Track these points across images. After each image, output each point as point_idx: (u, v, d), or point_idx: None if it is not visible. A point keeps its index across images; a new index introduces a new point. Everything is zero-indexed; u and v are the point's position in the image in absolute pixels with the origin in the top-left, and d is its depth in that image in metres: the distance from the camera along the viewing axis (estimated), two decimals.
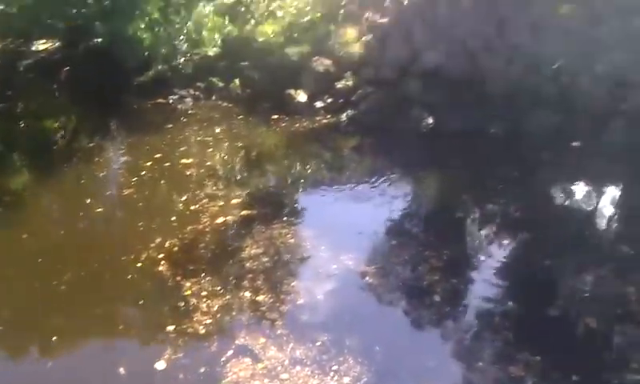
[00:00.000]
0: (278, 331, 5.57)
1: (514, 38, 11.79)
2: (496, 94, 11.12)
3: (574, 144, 9.83)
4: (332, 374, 5.03)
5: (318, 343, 5.36)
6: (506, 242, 7.52)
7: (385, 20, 13.36)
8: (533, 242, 7.36)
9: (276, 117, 11.59)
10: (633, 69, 10.38)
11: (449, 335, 5.66)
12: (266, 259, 6.87)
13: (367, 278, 6.52)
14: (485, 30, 12.10)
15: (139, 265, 6.69)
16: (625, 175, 9.15)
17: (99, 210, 8.11)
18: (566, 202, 8.66)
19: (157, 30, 12.14)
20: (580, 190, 8.95)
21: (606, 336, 5.50)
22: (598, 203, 8.56)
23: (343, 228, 7.73)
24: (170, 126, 11.33)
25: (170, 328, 5.69)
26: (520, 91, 11.01)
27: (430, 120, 10.90)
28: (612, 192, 8.96)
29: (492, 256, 7.11)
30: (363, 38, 13.17)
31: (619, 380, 4.87)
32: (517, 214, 8.17)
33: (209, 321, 5.76)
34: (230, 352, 5.33)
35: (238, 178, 9.27)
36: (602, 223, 8.06)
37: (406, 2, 13.51)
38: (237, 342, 5.46)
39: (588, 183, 8.99)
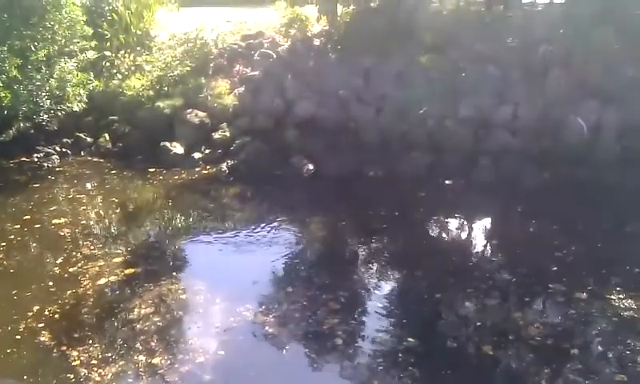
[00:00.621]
0: None
1: (380, 87, 12.44)
2: (370, 140, 11.64)
3: (447, 182, 10.46)
4: None
5: None
6: (395, 277, 7.69)
7: (255, 72, 13.55)
8: (420, 276, 7.60)
9: (152, 170, 11.20)
10: (492, 111, 11.32)
11: (358, 377, 5.58)
12: (158, 318, 6.45)
13: (267, 328, 6.33)
14: (353, 81, 12.68)
15: (18, 337, 5.98)
16: (494, 207, 9.86)
17: None
18: (445, 236, 9.10)
19: (16, 87, 11.36)
20: (456, 223, 9.48)
21: (505, 360, 5.73)
22: (473, 234, 9.12)
23: (235, 278, 7.54)
24: (37, 184, 10.53)
25: None
26: (392, 136, 11.61)
27: (310, 166, 11.10)
28: (485, 223, 9.58)
29: (385, 293, 7.23)
30: (236, 90, 13.24)
31: None
32: (402, 250, 8.43)
33: None
34: None
35: (118, 235, 8.73)
36: (479, 252, 8.53)
37: (275, 56, 13.81)
38: None
39: (462, 216, 9.56)
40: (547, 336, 6.08)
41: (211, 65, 14.05)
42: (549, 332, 6.16)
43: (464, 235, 9.12)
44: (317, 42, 14.17)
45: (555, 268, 7.54)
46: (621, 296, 6.74)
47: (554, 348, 5.91)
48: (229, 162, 11.57)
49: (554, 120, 11.05)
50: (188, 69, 13.57)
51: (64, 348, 5.85)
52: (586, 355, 5.85)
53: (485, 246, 8.75)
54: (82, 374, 5.45)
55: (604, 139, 10.74)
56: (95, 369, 5.53)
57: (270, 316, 6.53)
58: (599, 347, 5.99)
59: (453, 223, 9.44)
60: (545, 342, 5.96)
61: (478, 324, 6.44)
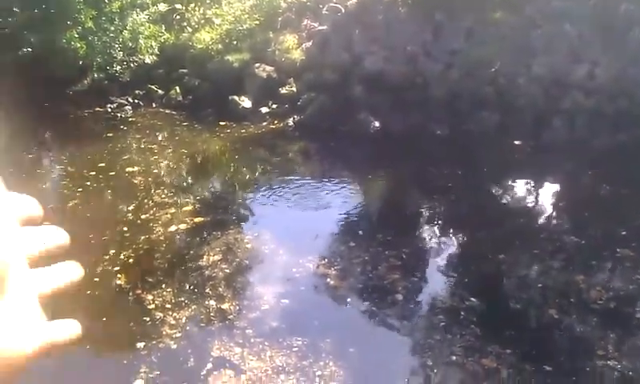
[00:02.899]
0: (252, 339, 5.36)
1: (450, 43, 12.14)
2: (438, 97, 11.42)
3: (516, 142, 10.19)
4: (317, 380, 4.90)
5: (295, 349, 5.20)
6: (458, 238, 7.64)
7: (323, 27, 13.45)
8: (484, 236, 7.53)
9: (221, 123, 11.41)
10: (566, 70, 10.88)
11: (419, 332, 5.64)
12: (225, 266, 6.67)
13: (329, 280, 6.44)
14: (422, 36, 12.40)
15: (96, 279, 6.33)
16: (565, 169, 9.57)
17: (44, 223, 7.64)
18: (511, 197, 8.93)
19: (91, 38, 11.77)
20: (524, 184, 9.28)
21: (567, 324, 5.65)
22: (541, 196, 8.91)
23: (299, 231, 7.67)
24: (111, 134, 10.94)
25: (141, 344, 5.31)
26: (460, 94, 11.34)
27: (376, 123, 11.04)
28: (554, 185, 9.32)
29: (447, 252, 7.21)
30: (303, 45, 13.22)
31: (588, 366, 5.00)
32: (466, 210, 8.35)
33: (179, 334, 5.46)
34: (209, 365, 5.07)
35: (187, 185, 9.03)
36: (546, 215, 8.35)
37: (343, 10, 13.66)
38: (213, 354, 5.18)
39: (530, 178, 9.34)
40: (611, 300, 5.96)
41: (279, 19, 14.05)
42: (613, 296, 6.03)
43: (531, 197, 8.92)
44: None
45: (624, 233, 7.31)
46: None
47: (618, 313, 5.80)
48: (295, 116, 11.65)
49: (632, 81, 10.52)
50: (257, 23, 13.65)
51: (139, 291, 6.14)
52: None
53: (552, 208, 8.54)
54: (158, 317, 5.71)
55: None
56: (170, 312, 5.79)
57: (332, 269, 6.63)
58: None
59: (520, 184, 9.25)
60: (609, 307, 5.86)
61: (543, 286, 6.34)
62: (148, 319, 5.68)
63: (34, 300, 0.51)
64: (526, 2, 12.18)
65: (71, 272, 0.58)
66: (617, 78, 10.70)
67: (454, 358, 5.16)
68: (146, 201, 8.30)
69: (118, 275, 6.44)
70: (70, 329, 0.56)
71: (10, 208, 0.51)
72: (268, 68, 12.62)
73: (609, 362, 5.01)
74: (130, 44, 12.59)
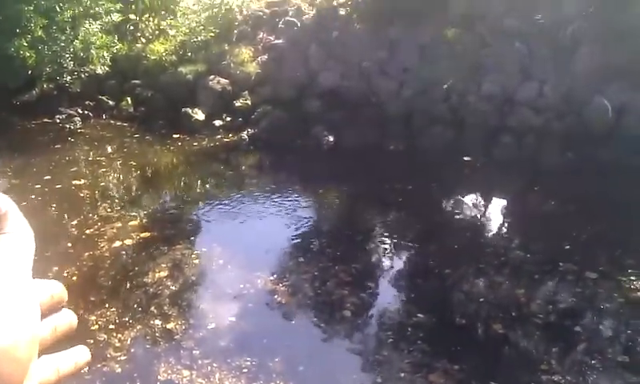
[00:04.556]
0: (199, 361, 5.23)
1: (404, 60, 12.29)
2: (392, 113, 11.55)
3: (466, 158, 10.34)
4: None
5: (245, 370, 5.08)
6: (408, 253, 7.67)
7: (279, 41, 13.46)
8: (432, 251, 7.60)
9: (173, 135, 11.26)
10: (516, 88, 11.13)
11: (368, 348, 5.61)
12: (172, 283, 6.53)
13: (277, 296, 6.37)
14: (378, 53, 12.53)
15: None
16: (513, 185, 9.77)
17: None
18: (461, 212, 9.03)
19: (41, 48, 11.47)
20: (473, 200, 9.42)
21: (512, 339, 5.71)
22: (489, 212, 9.04)
23: (249, 246, 7.59)
24: (59, 146, 10.68)
25: (84, 370, 5.10)
26: (414, 110, 11.47)
27: (331, 138, 11.06)
28: (502, 201, 9.49)
29: (396, 267, 7.23)
30: (259, 58, 13.19)
31: (532, 381, 5.05)
32: (416, 225, 8.39)
33: (124, 357, 5.27)
34: None
35: (135, 198, 8.85)
36: (493, 230, 8.47)
37: (299, 24, 13.69)
38: (160, 377, 4.99)
39: (479, 193, 9.50)
40: (554, 315, 6.07)
41: (235, 31, 14.01)
42: (556, 311, 6.15)
43: (479, 212, 9.05)
44: (342, 12, 14.00)
45: (568, 247, 7.47)
46: (632, 277, 6.65)
47: (561, 327, 5.90)
48: (249, 130, 11.58)
49: (579, 100, 10.81)
50: (212, 35, 13.56)
51: (82, 311, 5.92)
52: (591, 335, 5.80)
53: (500, 223, 8.68)
54: (102, 338, 5.51)
55: (629, 122, 10.50)
56: (114, 333, 5.60)
57: (281, 285, 6.56)
58: (605, 328, 5.95)
59: (469, 200, 9.37)
60: (552, 321, 5.96)
61: (488, 301, 6.39)
62: (91, 341, 5.48)
63: None
64: (478, 19, 12.40)
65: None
66: (565, 96, 10.98)
67: (403, 374, 5.15)
68: (91, 215, 8.11)
69: None
70: (79, 356, 0.58)
71: (35, 293, 0.52)
72: (223, 80, 12.53)
73: (553, 377, 5.06)
74: (82, 54, 12.32)
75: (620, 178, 9.54)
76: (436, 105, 11.46)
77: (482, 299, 6.43)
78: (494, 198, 9.47)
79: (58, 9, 11.65)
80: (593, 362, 5.32)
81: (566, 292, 6.58)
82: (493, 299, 6.42)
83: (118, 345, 5.44)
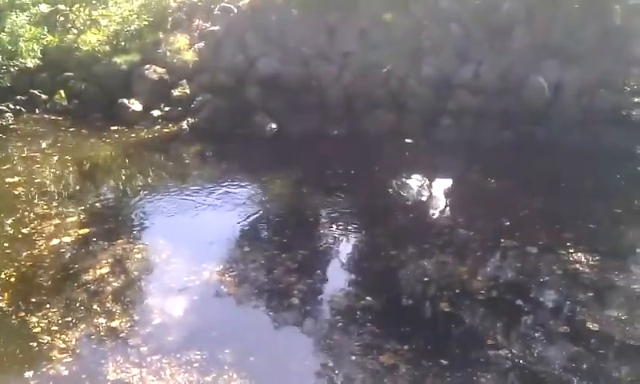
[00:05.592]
0: (148, 358, 5.07)
1: (344, 45, 12.27)
2: (333, 98, 11.55)
3: (408, 141, 10.46)
4: None
5: (196, 364, 4.98)
6: (353, 236, 7.69)
7: (216, 27, 13.22)
8: (378, 234, 7.66)
9: (110, 128, 10.94)
10: (453, 70, 11.29)
11: (318, 334, 5.58)
12: (113, 279, 6.33)
13: (223, 287, 6.29)
14: (317, 38, 12.45)
15: None
16: (454, 166, 9.96)
17: None
18: (404, 194, 9.14)
19: None
20: (415, 181, 9.58)
21: (458, 317, 5.80)
22: (431, 193, 9.21)
23: (194, 238, 7.44)
24: None
25: (29, 373, 4.87)
26: (355, 95, 11.49)
27: (273, 125, 10.98)
28: (443, 181, 9.69)
29: (342, 251, 7.26)
30: (195, 46, 12.93)
31: (481, 357, 5.14)
32: (360, 208, 8.46)
33: (69, 358, 5.06)
34: None
35: (73, 194, 8.55)
36: (436, 210, 8.62)
37: (235, 10, 13.48)
38: (109, 377, 4.84)
39: (422, 175, 9.68)
40: (498, 290, 6.23)
41: (169, 19, 13.69)
42: (499, 286, 6.32)
43: (422, 193, 9.20)
44: None
45: (508, 223, 7.69)
46: (571, 250, 6.91)
47: (505, 301, 6.06)
48: (189, 119, 11.38)
49: (515, 79, 11.07)
50: (145, 23, 13.22)
51: (22, 314, 5.66)
52: (533, 308, 5.99)
53: (442, 203, 8.86)
54: (45, 340, 5.28)
55: (564, 99, 10.82)
56: (58, 335, 5.38)
57: (227, 275, 6.48)
58: (546, 301, 6.17)
59: (412, 182, 9.53)
60: (496, 296, 6.11)
61: (434, 280, 6.49)
62: (34, 344, 5.26)
63: None
64: (415, 2, 12.48)
65: None
66: (501, 77, 11.22)
67: (354, 357, 5.18)
68: (27, 213, 7.80)
69: (0, 297, 5.94)
70: None
71: None
72: (159, 70, 12.24)
73: (500, 352, 5.19)
74: (10, 47, 11.81)
75: (556, 155, 9.87)
76: (377, 89, 11.52)
77: (427, 279, 6.51)
78: (435, 179, 9.64)
79: None
80: (536, 334, 5.49)
81: (508, 267, 6.77)
82: (438, 278, 6.52)
83: (62, 346, 5.25)
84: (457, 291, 6.19)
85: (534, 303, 6.10)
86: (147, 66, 12.21)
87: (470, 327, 5.65)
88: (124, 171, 9.54)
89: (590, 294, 6.09)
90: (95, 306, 5.86)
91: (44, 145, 10.49)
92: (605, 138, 10.16)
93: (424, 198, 9.02)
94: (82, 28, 13.67)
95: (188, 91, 12.03)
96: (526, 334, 5.52)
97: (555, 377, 4.90)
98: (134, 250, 6.98)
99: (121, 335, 5.44)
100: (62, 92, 12.30)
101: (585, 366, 5.02)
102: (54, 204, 8.11)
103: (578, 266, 6.62)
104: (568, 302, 6.04)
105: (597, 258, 6.74)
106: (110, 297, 6.03)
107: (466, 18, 12.02)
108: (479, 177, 9.45)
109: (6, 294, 5.99)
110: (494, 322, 5.68)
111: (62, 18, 13.97)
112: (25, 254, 6.78)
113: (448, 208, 8.64)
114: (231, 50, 12.56)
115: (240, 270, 6.64)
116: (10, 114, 11.74)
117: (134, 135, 10.78)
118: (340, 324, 5.70)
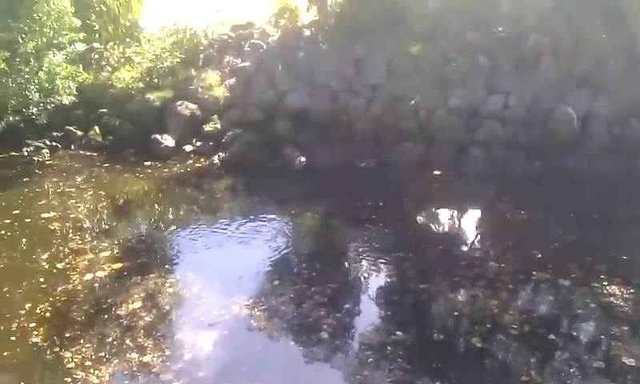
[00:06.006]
0: None
1: (371, 78, 12.41)
2: (362, 131, 11.65)
3: (436, 172, 10.46)
4: None
5: None
6: (383, 270, 7.66)
7: (246, 63, 13.49)
8: (408, 267, 7.60)
9: (143, 163, 11.18)
10: (481, 101, 11.31)
11: (347, 370, 5.56)
12: (145, 313, 6.42)
13: (253, 322, 6.31)
14: (344, 72, 12.62)
15: (12, 338, 5.91)
16: (484, 197, 9.90)
17: None
18: (433, 226, 9.14)
19: (4, 80, 11.33)
20: (445, 213, 9.54)
21: (492, 351, 5.73)
22: (461, 224, 9.16)
23: (224, 272, 7.51)
24: (27, 179, 10.55)
25: None
26: (383, 127, 11.57)
27: (302, 158, 11.11)
28: (473, 213, 9.63)
29: (373, 285, 7.22)
30: (226, 82, 13.20)
31: None
32: (390, 240, 8.42)
33: None
34: None
35: (107, 229, 8.72)
36: (466, 242, 8.54)
37: (265, 47, 13.74)
38: None
39: (451, 207, 9.63)
40: (531, 324, 6.11)
41: (201, 56, 14.04)
42: (532, 320, 6.20)
43: (452, 225, 9.15)
44: (307, 33, 14.09)
45: (540, 256, 7.60)
46: (604, 283, 6.79)
47: (538, 336, 5.94)
48: (220, 154, 11.57)
49: (544, 109, 11.06)
50: (178, 60, 13.55)
51: (57, 349, 5.76)
52: (567, 343, 5.86)
53: (472, 235, 8.76)
54: (79, 376, 5.35)
55: (594, 129, 10.74)
56: (91, 370, 5.44)
57: (257, 309, 6.51)
58: (580, 335, 6.03)
59: (441, 213, 9.48)
60: (528, 331, 5.99)
61: (465, 314, 6.42)
62: (69, 380, 5.33)
63: None
64: (441, 35, 12.59)
65: None
66: (530, 107, 11.20)
67: None
68: (62, 248, 7.96)
69: (35, 332, 6.06)
70: None
71: None
72: (191, 105, 12.50)
73: None
74: (47, 85, 12.19)
75: (588, 186, 9.76)
76: (405, 121, 11.59)
77: (458, 313, 6.45)
78: (465, 211, 9.59)
79: (20, 40, 11.50)
80: (571, 369, 5.38)
81: (540, 301, 6.66)
82: (469, 312, 6.45)
83: (96, 382, 5.31)
84: (488, 325, 6.12)
85: (568, 338, 5.99)
86: (179, 102, 12.49)
87: (502, 363, 5.57)
88: (156, 206, 9.72)
89: (625, 328, 5.95)
90: (128, 341, 5.94)
91: (79, 180, 10.75)
92: (637, 167, 10.02)
93: (454, 230, 8.99)
94: (116, 65, 14.09)
95: (219, 126, 12.25)
96: (561, 369, 5.41)
97: None
98: (166, 285, 7.07)
99: (153, 370, 5.48)
100: (96, 128, 12.66)
101: None
102: (88, 239, 8.29)
103: (612, 298, 6.50)
104: (602, 337, 5.91)
105: (631, 290, 6.61)
106: (142, 331, 6.10)
107: (492, 50, 12.08)
108: (509, 208, 9.38)
109: (41, 329, 6.10)
110: (528, 358, 5.58)
111: (96, 56, 14.42)
112: (60, 288, 6.90)
113: (478, 240, 8.56)
114: (261, 86, 12.78)
115: (269, 304, 6.65)
116: (47, 150, 12.13)
117: (166, 170, 11.00)
118: (370, 359, 5.67)
